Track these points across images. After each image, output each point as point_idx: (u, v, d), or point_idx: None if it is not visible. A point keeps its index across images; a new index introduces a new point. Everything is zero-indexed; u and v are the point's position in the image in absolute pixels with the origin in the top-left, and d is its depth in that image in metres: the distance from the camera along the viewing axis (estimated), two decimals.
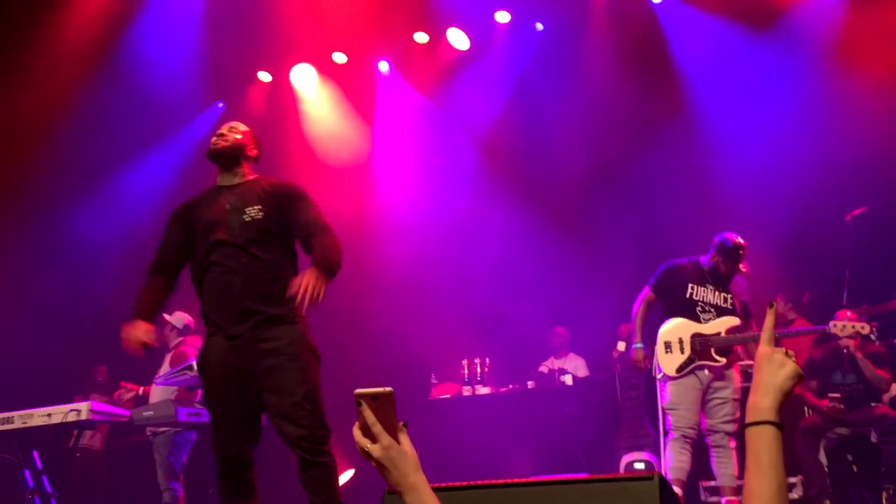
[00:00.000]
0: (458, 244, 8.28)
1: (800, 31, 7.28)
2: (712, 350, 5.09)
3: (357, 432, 1.45)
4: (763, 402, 1.49)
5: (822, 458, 5.66)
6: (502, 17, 8.15)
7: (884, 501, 5.32)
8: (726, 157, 7.49)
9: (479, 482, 2.27)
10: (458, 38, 8.24)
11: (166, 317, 6.42)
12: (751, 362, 5.43)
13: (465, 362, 7.36)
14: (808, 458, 5.59)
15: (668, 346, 5.16)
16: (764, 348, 1.54)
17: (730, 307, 5.22)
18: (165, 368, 6.23)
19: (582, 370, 7.51)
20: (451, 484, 2.26)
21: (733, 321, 5.17)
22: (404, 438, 1.47)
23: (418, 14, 7.97)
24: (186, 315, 6.27)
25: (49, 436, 5.54)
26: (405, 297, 8.03)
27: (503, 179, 8.38)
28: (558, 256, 7.83)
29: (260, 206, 3.73)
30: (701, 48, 7.70)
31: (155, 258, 3.92)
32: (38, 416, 5.26)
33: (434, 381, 7.55)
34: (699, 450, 5.19)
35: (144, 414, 5.58)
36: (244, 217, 3.71)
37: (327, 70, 8.63)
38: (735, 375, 5.19)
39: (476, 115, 8.51)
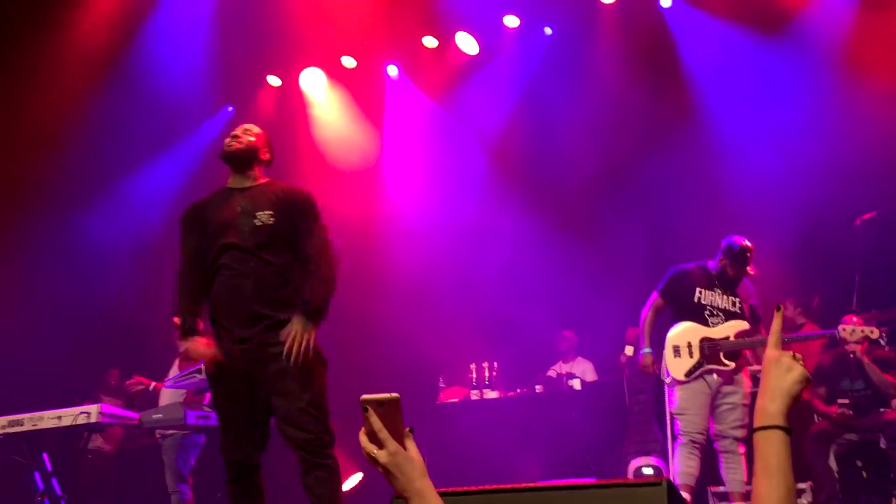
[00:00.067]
0: (467, 248, 8.28)
1: (809, 35, 7.26)
2: (721, 354, 5.07)
3: (363, 438, 1.46)
4: (771, 407, 1.49)
5: (833, 463, 5.64)
6: (511, 21, 8.15)
7: None
8: (736, 161, 7.47)
9: (487, 487, 2.27)
10: (466, 43, 8.24)
11: (176, 320, 6.43)
12: (760, 367, 5.40)
13: (473, 366, 7.36)
14: (818, 464, 5.57)
15: (676, 350, 5.15)
16: (771, 352, 1.54)
17: (738, 311, 5.20)
18: (174, 371, 6.25)
19: (590, 374, 7.50)
20: (458, 489, 2.26)
21: (742, 325, 5.15)
22: (411, 444, 1.47)
23: (427, 18, 7.98)
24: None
25: (59, 438, 5.56)
26: (413, 301, 8.03)
27: (512, 183, 8.38)
28: (567, 260, 7.83)
29: (271, 212, 3.73)
30: (710, 52, 7.69)
31: (182, 265, 3.87)
32: (48, 419, 5.28)
33: (442, 385, 7.55)
34: (708, 455, 5.17)
35: (154, 417, 5.60)
36: (255, 221, 3.71)
37: (336, 74, 8.66)
38: (744, 380, 5.16)
39: (485, 119, 8.51)
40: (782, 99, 7.36)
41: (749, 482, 4.90)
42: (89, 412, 5.17)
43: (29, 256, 7.95)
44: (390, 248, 8.40)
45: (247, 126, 4.00)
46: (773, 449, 1.45)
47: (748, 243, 5.17)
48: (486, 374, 7.27)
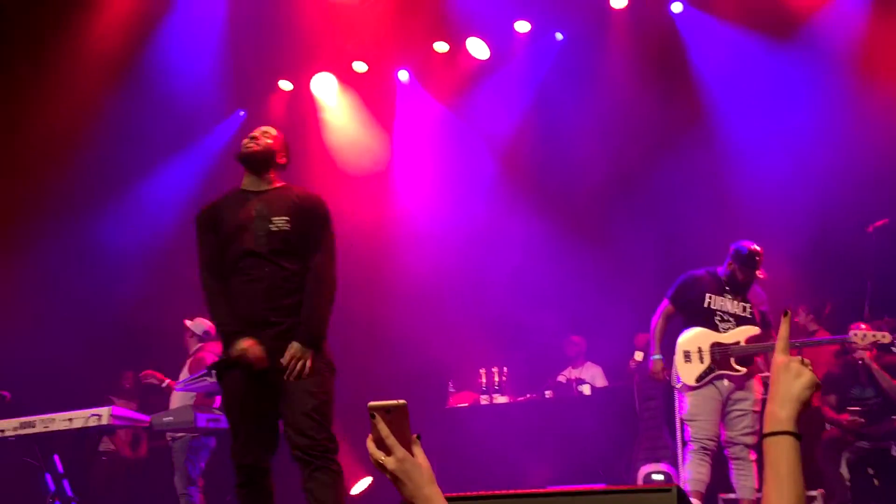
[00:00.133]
0: (477, 253, 8.28)
1: (821, 40, 7.23)
2: (732, 360, 5.05)
3: (371, 445, 1.46)
4: (780, 413, 1.48)
5: (844, 471, 5.61)
6: (522, 26, 8.16)
7: None
8: (746, 167, 7.45)
9: (496, 492, 2.26)
10: (477, 48, 8.26)
11: (187, 323, 6.47)
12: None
13: (482, 371, 7.36)
14: (830, 471, 5.55)
15: (687, 355, 5.14)
16: (780, 357, 1.53)
17: (749, 316, 5.18)
18: (185, 374, 6.28)
19: (599, 379, 7.49)
20: (466, 494, 2.26)
21: (753, 330, 5.13)
22: (418, 450, 1.47)
23: (438, 23, 7.99)
24: (206, 321, 6.30)
25: (71, 440, 5.58)
26: (423, 306, 8.04)
27: (522, 188, 8.38)
28: (577, 265, 7.82)
29: (288, 218, 3.70)
30: (721, 57, 7.67)
31: (203, 267, 3.81)
32: (60, 421, 5.31)
33: (451, 390, 7.55)
34: (718, 462, 5.14)
35: (164, 419, 5.62)
36: (270, 226, 3.69)
37: (348, 79, 8.68)
38: (756, 386, 5.13)
39: (495, 124, 8.52)
40: (794, 104, 7.33)
41: (760, 489, 4.88)
42: (100, 414, 5.19)
43: (43, 258, 8.00)
44: (400, 253, 8.41)
45: (265, 128, 3.96)
46: (783, 455, 1.44)
47: (757, 247, 5.15)
48: (496, 378, 7.27)
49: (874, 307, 5.88)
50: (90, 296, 7.85)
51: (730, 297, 5.20)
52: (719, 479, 5.33)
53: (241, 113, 8.90)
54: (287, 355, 3.60)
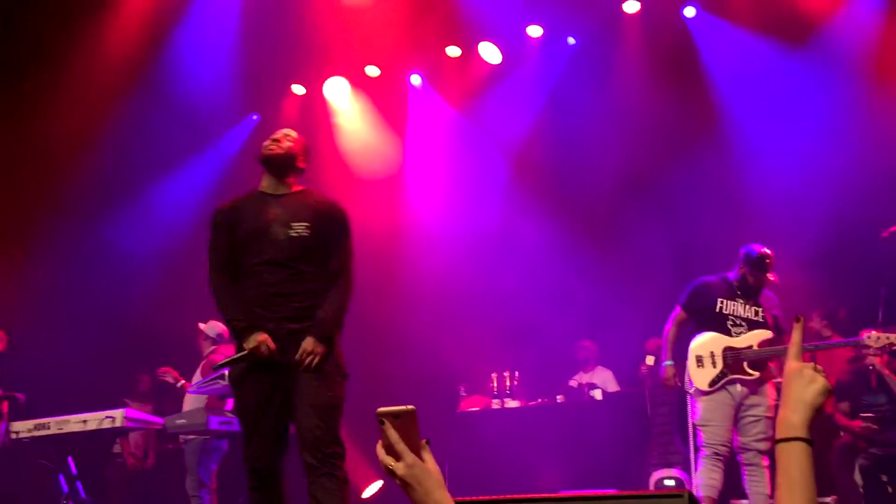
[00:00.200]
0: (489, 256, 8.28)
1: (834, 45, 7.20)
2: (745, 364, 5.03)
3: (381, 451, 1.47)
4: (793, 418, 1.48)
5: (858, 477, 5.58)
6: (534, 31, 8.16)
7: None
8: (760, 171, 7.42)
9: (507, 497, 2.27)
10: (490, 52, 8.26)
11: (200, 326, 6.50)
12: None
13: (494, 375, 7.36)
14: (843, 478, 5.52)
15: (699, 360, 5.12)
16: (792, 363, 1.53)
17: (761, 320, 5.15)
18: (198, 377, 6.31)
19: (611, 383, 7.47)
20: (477, 498, 2.27)
21: (765, 334, 5.10)
22: (428, 456, 1.47)
23: (450, 28, 8.01)
24: (220, 324, 6.32)
25: (85, 442, 5.62)
26: (435, 309, 8.04)
27: (535, 192, 8.37)
28: (589, 269, 7.80)
29: (307, 224, 3.70)
30: (734, 61, 7.65)
31: (213, 267, 3.79)
32: (74, 423, 5.35)
33: (463, 394, 7.55)
34: (731, 467, 5.12)
35: (177, 422, 5.66)
36: (290, 232, 3.68)
37: (360, 83, 8.71)
38: (769, 392, 5.10)
39: (508, 129, 8.52)
40: (807, 109, 7.30)
41: (773, 495, 4.86)
42: (114, 416, 5.23)
43: (58, 261, 8.06)
44: (412, 257, 8.43)
45: (286, 131, 3.95)
46: (795, 461, 1.44)
47: (767, 250, 5.13)
48: (507, 383, 7.27)
49: (888, 313, 5.84)
50: (104, 299, 7.90)
51: (741, 301, 5.18)
52: (732, 485, 5.30)
53: (255, 117, 8.94)
54: (300, 350, 3.60)
